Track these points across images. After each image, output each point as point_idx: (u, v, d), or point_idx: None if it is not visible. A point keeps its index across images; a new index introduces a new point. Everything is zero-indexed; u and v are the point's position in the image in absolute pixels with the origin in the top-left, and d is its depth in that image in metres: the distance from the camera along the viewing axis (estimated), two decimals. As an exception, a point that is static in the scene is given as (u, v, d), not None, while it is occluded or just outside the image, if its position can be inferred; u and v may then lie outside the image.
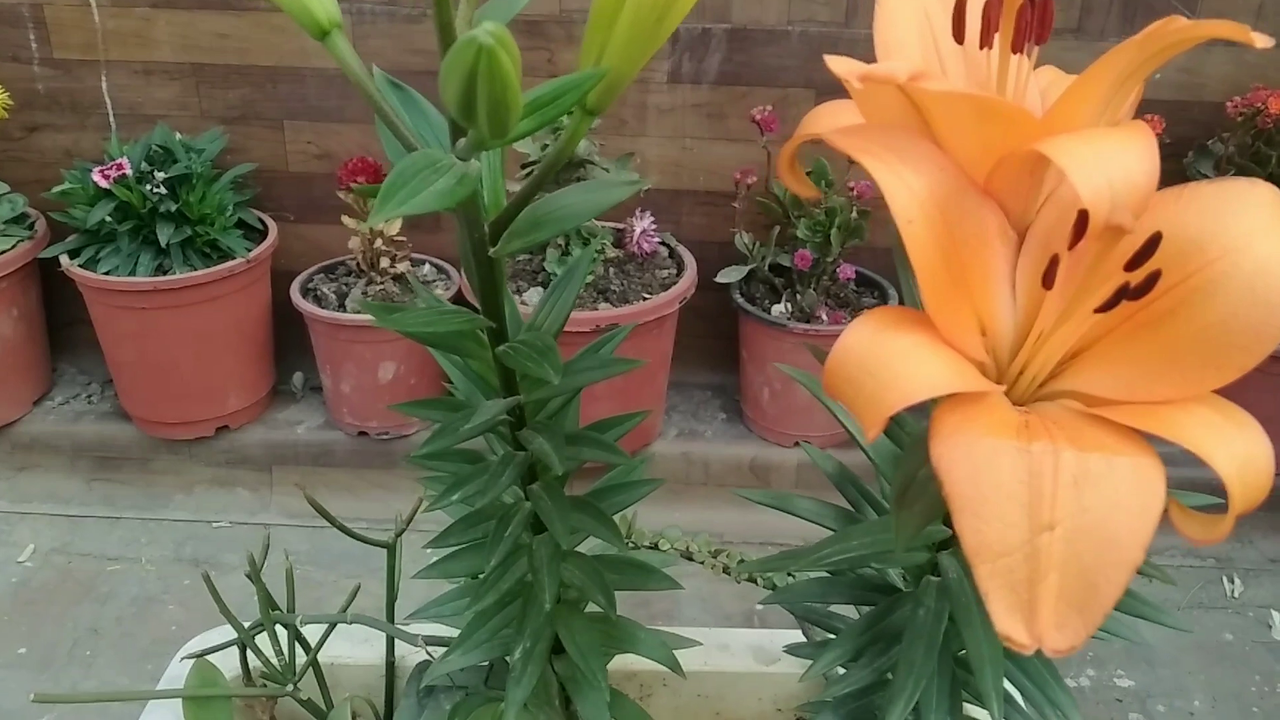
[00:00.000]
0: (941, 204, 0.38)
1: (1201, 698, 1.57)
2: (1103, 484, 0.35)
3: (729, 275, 1.81)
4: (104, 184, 1.65)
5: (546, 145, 1.63)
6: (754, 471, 1.84)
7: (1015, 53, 0.40)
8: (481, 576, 0.61)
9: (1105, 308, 0.36)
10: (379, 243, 1.77)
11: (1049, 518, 0.34)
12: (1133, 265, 0.36)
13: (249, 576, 0.73)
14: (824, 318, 1.75)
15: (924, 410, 0.38)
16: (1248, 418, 0.37)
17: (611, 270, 1.76)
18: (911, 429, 0.50)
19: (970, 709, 0.64)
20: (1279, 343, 0.37)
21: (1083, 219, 0.36)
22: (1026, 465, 0.35)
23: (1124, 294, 0.35)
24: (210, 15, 1.82)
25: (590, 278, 1.73)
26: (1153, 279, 0.35)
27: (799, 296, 1.78)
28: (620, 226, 1.81)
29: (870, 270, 1.87)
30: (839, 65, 0.36)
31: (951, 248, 0.39)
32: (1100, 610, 0.34)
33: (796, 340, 1.73)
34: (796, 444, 1.83)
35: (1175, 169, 1.78)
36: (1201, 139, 1.76)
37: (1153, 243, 0.35)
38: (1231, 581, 1.79)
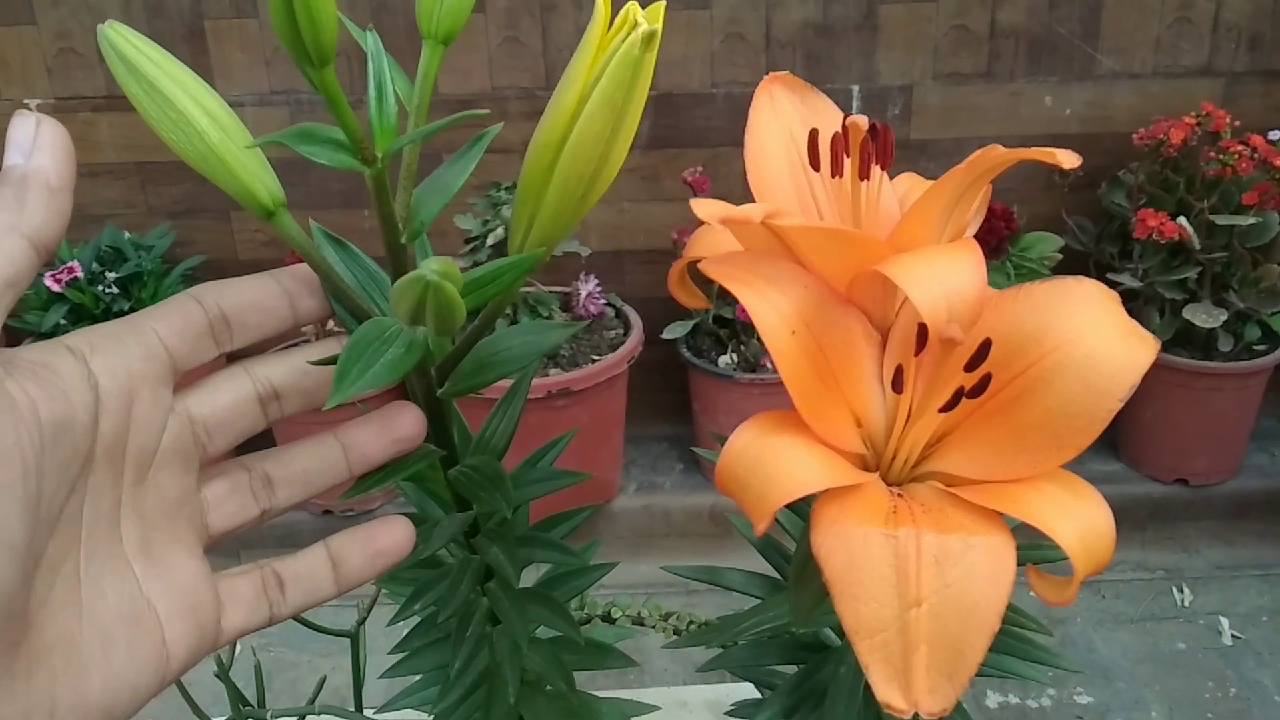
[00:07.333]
0: (807, 319, 0.43)
1: (1159, 708, 1.62)
2: (961, 562, 0.39)
3: (674, 331, 1.86)
4: (56, 288, 1.68)
5: (487, 221, 1.68)
6: (713, 519, 1.89)
7: (863, 179, 0.45)
8: (449, 672, 0.64)
9: (947, 408, 0.41)
10: (331, 324, 1.81)
11: (916, 595, 0.39)
12: (971, 366, 0.41)
13: (218, 676, 0.76)
14: (769, 366, 1.81)
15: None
16: (1088, 489, 0.42)
17: (560, 335, 1.81)
18: (806, 511, 0.55)
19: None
20: (1108, 422, 0.42)
21: (924, 330, 0.41)
22: (893, 549, 0.40)
23: (961, 395, 0.40)
24: (151, 114, 1.86)
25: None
26: (985, 380, 0.40)
27: (743, 347, 1.83)
28: (566, 290, 1.86)
29: (811, 315, 1.92)
30: (702, 209, 0.41)
31: (820, 356, 0.44)
32: (966, 674, 0.39)
33: (744, 390, 1.78)
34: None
35: (1090, 199, 1.86)
36: (1113, 169, 1.84)
37: (984, 348, 0.40)
38: (1181, 591, 1.86)
